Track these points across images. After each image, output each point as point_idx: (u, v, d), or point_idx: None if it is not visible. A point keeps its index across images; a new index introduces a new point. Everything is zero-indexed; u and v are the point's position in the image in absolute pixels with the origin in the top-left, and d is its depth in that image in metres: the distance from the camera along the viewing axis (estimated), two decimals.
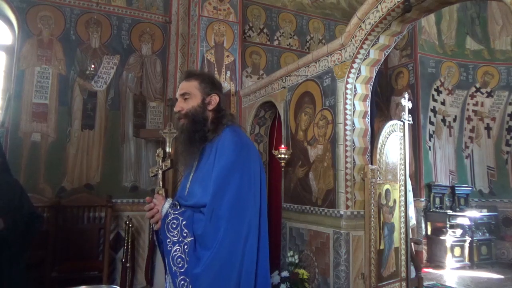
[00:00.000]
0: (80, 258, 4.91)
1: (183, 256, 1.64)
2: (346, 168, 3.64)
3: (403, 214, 3.89)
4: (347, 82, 3.75)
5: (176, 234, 1.66)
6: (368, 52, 3.70)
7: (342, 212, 3.59)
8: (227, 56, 5.69)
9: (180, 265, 1.63)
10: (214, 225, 1.61)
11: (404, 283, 3.81)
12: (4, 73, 5.54)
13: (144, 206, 1.82)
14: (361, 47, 3.64)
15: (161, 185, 1.88)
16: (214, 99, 1.85)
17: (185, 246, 1.64)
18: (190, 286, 1.61)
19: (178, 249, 1.64)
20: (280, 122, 4.79)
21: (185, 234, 1.65)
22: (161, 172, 1.90)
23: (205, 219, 1.63)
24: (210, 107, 1.84)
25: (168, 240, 1.67)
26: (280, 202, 4.62)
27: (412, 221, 4.66)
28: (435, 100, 7.33)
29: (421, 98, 7.15)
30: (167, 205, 1.74)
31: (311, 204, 4.03)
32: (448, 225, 6.59)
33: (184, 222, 1.66)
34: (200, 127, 1.80)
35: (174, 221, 1.68)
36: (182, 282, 1.61)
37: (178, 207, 1.75)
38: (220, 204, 1.63)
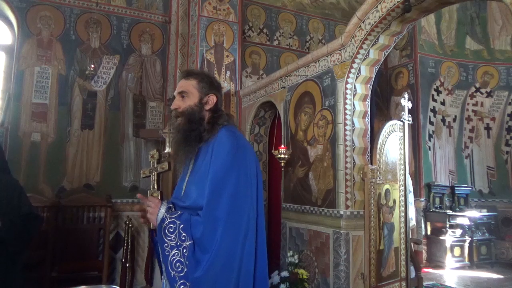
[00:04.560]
0: (80, 258, 4.91)
1: (182, 260, 1.61)
2: (346, 168, 3.64)
3: (402, 214, 3.89)
4: (346, 82, 3.75)
5: (174, 238, 1.63)
6: (368, 52, 3.70)
7: (342, 212, 3.59)
8: (227, 56, 5.69)
9: (179, 270, 1.61)
10: (211, 227, 1.60)
11: (403, 283, 3.81)
12: (4, 73, 5.54)
13: (137, 204, 1.80)
14: (361, 47, 3.64)
15: (155, 187, 1.86)
16: (212, 99, 1.84)
17: (184, 250, 1.61)
18: None
19: (176, 253, 1.62)
20: (280, 122, 4.78)
21: (183, 238, 1.62)
22: (155, 174, 1.87)
23: (203, 222, 1.62)
24: (207, 107, 1.83)
25: (166, 244, 1.63)
26: (280, 202, 4.61)
27: (412, 222, 4.65)
28: (434, 100, 7.33)
29: (420, 98, 7.15)
30: (163, 209, 1.70)
31: (311, 204, 4.03)
32: (447, 225, 6.60)
33: (181, 226, 1.64)
34: (196, 126, 1.78)
35: (171, 225, 1.65)
36: (182, 286, 1.59)
37: (174, 210, 1.73)
38: (217, 205, 1.62)
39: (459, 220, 6.64)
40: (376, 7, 3.43)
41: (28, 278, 4.19)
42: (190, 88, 1.83)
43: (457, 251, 6.60)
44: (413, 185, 5.64)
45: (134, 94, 5.78)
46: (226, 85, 5.60)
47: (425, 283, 5.11)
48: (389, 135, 3.82)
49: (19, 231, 2.64)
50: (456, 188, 7.11)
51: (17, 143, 5.10)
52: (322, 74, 4.05)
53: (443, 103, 7.41)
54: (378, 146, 3.69)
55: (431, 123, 7.25)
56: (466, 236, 6.68)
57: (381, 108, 7.63)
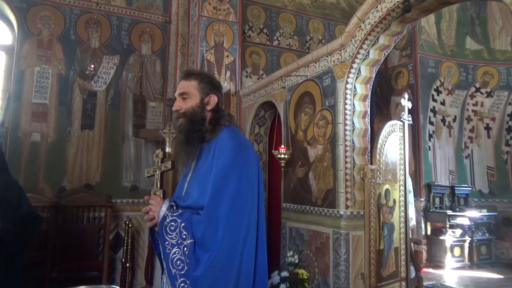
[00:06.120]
0: (80, 258, 4.91)
1: (182, 258, 1.62)
2: (346, 168, 3.64)
3: (402, 214, 3.89)
4: (346, 82, 3.75)
5: (175, 236, 1.64)
6: (368, 52, 3.70)
7: (342, 212, 3.59)
8: (227, 56, 5.69)
9: (180, 268, 1.61)
10: (212, 226, 1.61)
11: (403, 283, 3.81)
12: (4, 73, 5.54)
13: (143, 206, 1.81)
14: (361, 47, 3.64)
15: (159, 186, 1.87)
16: (213, 99, 1.84)
17: (185, 249, 1.62)
18: None
19: (177, 252, 1.63)
20: (280, 122, 4.78)
21: (184, 236, 1.63)
22: (159, 173, 1.88)
23: (204, 221, 1.62)
24: (209, 107, 1.83)
25: (167, 242, 1.64)
26: (280, 202, 4.61)
27: (412, 222, 4.65)
28: (434, 100, 7.33)
29: (420, 98, 7.15)
30: (164, 207, 1.72)
31: (311, 204, 4.03)
32: (447, 225, 6.60)
33: (183, 225, 1.64)
34: (198, 127, 1.79)
35: (172, 223, 1.66)
36: (182, 284, 1.60)
37: (176, 209, 1.74)
38: (219, 205, 1.62)
39: (459, 220, 6.64)
40: (376, 7, 3.43)
41: (28, 278, 4.19)
42: (191, 89, 1.83)
43: (457, 251, 6.60)
44: (413, 185, 5.65)
45: (134, 94, 5.78)
46: (226, 85, 5.60)
47: (425, 283, 5.11)
48: (389, 135, 3.82)
49: (19, 232, 2.64)
50: (456, 188, 7.11)
51: (17, 143, 5.10)
52: (322, 74, 4.05)
53: (443, 103, 7.41)
54: (378, 146, 3.69)
55: (431, 123, 7.25)
56: (466, 236, 6.68)
57: (381, 108, 7.63)
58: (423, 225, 6.89)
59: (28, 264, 4.19)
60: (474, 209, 6.94)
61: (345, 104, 3.74)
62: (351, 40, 3.69)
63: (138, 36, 5.89)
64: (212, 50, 5.60)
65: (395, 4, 3.25)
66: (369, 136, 3.85)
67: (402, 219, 3.87)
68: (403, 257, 3.83)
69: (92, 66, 5.18)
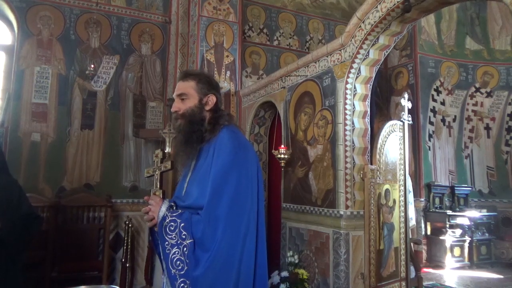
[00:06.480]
0: (80, 258, 4.91)
1: (182, 258, 1.62)
2: (346, 168, 3.64)
3: (402, 214, 3.89)
4: (346, 82, 3.75)
5: (175, 236, 1.64)
6: (368, 52, 3.70)
7: (341, 212, 3.59)
8: (227, 56, 5.69)
9: (179, 268, 1.61)
10: (212, 226, 1.61)
11: (403, 283, 3.81)
12: (4, 73, 5.54)
13: (143, 206, 1.81)
14: (361, 47, 3.64)
15: (158, 186, 1.87)
16: (211, 99, 1.84)
17: (185, 249, 1.62)
18: None
19: (177, 252, 1.63)
20: (279, 122, 4.78)
21: (184, 236, 1.63)
22: (158, 173, 1.89)
23: (203, 221, 1.62)
24: (208, 108, 1.83)
25: (167, 243, 1.65)
26: (280, 202, 4.61)
27: (412, 222, 4.65)
28: (434, 100, 7.33)
29: (420, 98, 7.15)
30: (164, 207, 1.72)
31: (310, 204, 4.03)
32: (447, 225, 6.60)
33: (182, 225, 1.65)
34: (198, 127, 1.79)
35: (172, 223, 1.66)
36: (182, 284, 1.60)
37: (175, 209, 1.74)
38: (218, 204, 1.62)
39: (459, 220, 6.64)
40: (376, 7, 3.43)
41: (28, 278, 4.19)
42: (189, 89, 1.83)
43: (457, 251, 6.60)
44: (413, 185, 5.65)
45: (134, 94, 5.78)
46: (226, 85, 5.59)
47: (425, 283, 5.11)
48: (389, 135, 3.82)
49: (19, 232, 2.64)
50: (456, 188, 7.11)
51: (17, 143, 5.10)
52: (322, 74, 4.05)
53: (443, 103, 7.41)
54: (378, 146, 3.69)
55: (431, 123, 7.25)
56: (466, 236, 6.68)
57: (381, 108, 7.63)
58: (423, 225, 6.89)
59: (28, 264, 4.18)
60: (474, 209, 6.94)
61: (345, 104, 3.75)
62: (351, 40, 3.69)
63: (138, 36, 5.89)
64: (212, 50, 5.60)
65: (395, 4, 3.26)
66: (369, 136, 3.85)
67: (402, 219, 3.87)
68: (403, 257, 3.83)
69: (92, 66, 5.18)
